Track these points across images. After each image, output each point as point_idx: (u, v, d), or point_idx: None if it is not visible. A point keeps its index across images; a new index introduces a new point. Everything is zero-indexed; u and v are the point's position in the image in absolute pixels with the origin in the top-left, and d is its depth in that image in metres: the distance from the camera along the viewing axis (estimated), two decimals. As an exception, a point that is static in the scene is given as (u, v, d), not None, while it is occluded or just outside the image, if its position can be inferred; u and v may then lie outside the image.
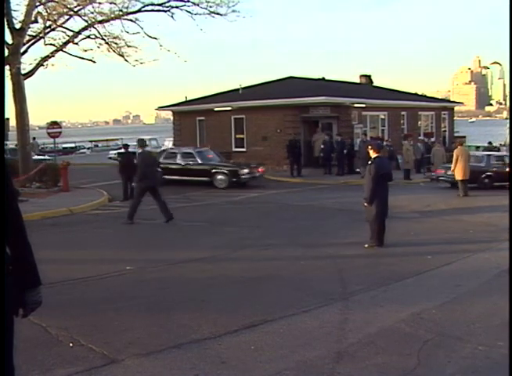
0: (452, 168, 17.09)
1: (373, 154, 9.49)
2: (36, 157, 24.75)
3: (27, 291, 2.55)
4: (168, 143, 34.04)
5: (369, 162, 9.51)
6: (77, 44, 20.76)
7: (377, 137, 25.80)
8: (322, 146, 23.84)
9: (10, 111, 18.99)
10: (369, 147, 9.77)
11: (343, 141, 23.45)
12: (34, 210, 13.10)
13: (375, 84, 35.11)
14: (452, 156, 17.40)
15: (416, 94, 38.21)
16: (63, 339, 4.99)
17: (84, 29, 20.47)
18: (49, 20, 19.40)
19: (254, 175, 19.62)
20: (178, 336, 5.06)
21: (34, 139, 26.65)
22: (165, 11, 21.09)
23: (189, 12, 21.16)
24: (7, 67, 17.71)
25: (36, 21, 19.12)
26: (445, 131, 33.11)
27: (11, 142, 25.63)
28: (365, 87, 32.48)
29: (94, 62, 21.50)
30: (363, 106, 26.01)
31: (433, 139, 28.70)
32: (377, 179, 9.21)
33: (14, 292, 2.47)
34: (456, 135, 33.24)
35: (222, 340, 4.96)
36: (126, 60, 21.08)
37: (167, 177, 18.51)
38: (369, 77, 34.59)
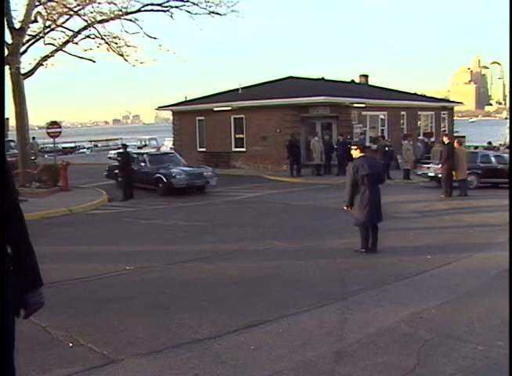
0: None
1: (358, 154, 8.78)
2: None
3: (28, 291, 2.55)
4: (168, 143, 34.09)
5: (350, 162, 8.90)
6: (76, 43, 20.79)
7: (377, 137, 25.82)
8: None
9: (10, 111, 19.03)
10: (354, 147, 8.89)
11: (345, 141, 23.39)
12: (33, 210, 13.10)
13: (375, 84, 35.12)
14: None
15: (415, 94, 38.17)
16: (62, 339, 4.99)
17: (84, 29, 20.49)
18: (49, 20, 19.42)
19: None
20: (178, 336, 5.07)
21: (33, 138, 26.65)
22: (164, 11, 21.12)
23: (188, 12, 21.22)
24: (7, 67, 17.70)
25: (36, 21, 19.13)
26: (444, 131, 33.10)
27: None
28: (365, 87, 32.47)
29: (94, 62, 21.54)
30: (363, 105, 26.00)
31: (433, 139, 28.71)
32: (355, 181, 8.61)
33: (15, 293, 2.47)
34: (455, 134, 33.24)
35: (222, 340, 4.96)
36: (126, 60, 21.12)
37: (485, 180, 18.43)
38: (367, 76, 34.56)
